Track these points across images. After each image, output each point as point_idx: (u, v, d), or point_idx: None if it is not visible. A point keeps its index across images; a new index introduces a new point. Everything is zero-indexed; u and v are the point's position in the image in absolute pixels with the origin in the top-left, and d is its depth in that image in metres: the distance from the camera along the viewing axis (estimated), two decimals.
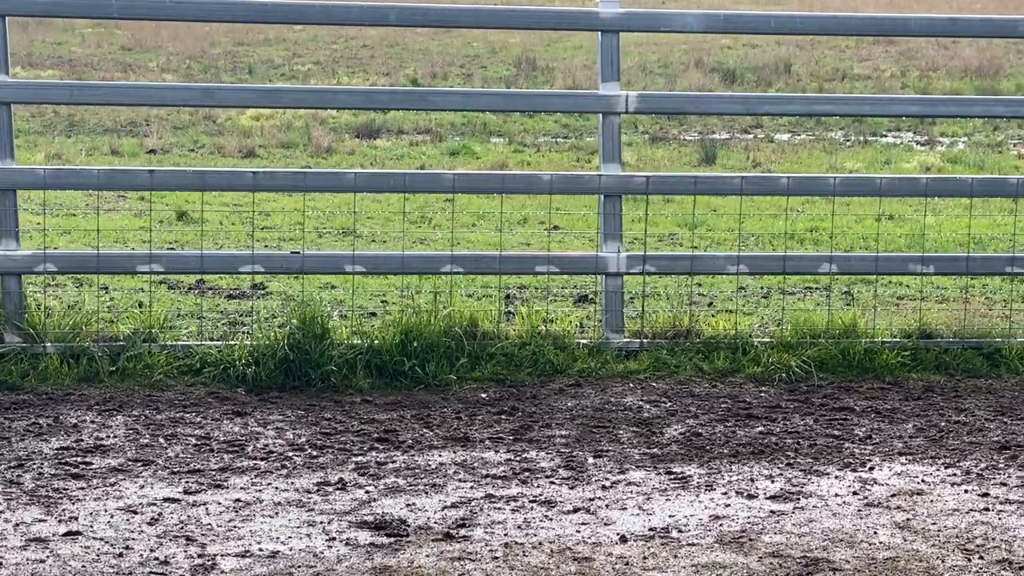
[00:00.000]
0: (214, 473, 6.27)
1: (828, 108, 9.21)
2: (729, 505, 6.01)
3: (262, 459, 6.48)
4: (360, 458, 6.55)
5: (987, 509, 5.96)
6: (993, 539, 5.61)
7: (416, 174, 8.42)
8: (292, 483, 6.17)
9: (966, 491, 6.20)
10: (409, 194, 11.06)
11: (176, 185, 8.20)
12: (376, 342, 7.72)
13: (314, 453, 6.59)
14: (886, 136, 19.33)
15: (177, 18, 7.53)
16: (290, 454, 6.56)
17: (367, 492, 6.09)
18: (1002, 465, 6.57)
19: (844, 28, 8.68)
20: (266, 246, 11.00)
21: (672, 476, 6.38)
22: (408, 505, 5.94)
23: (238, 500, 5.94)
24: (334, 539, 5.54)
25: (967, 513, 5.91)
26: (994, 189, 8.75)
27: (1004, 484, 6.30)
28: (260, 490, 6.07)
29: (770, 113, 13.48)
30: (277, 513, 5.81)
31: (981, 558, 5.41)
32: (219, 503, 5.90)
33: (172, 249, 10.61)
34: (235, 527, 5.64)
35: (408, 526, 5.70)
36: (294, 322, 7.60)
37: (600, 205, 8.12)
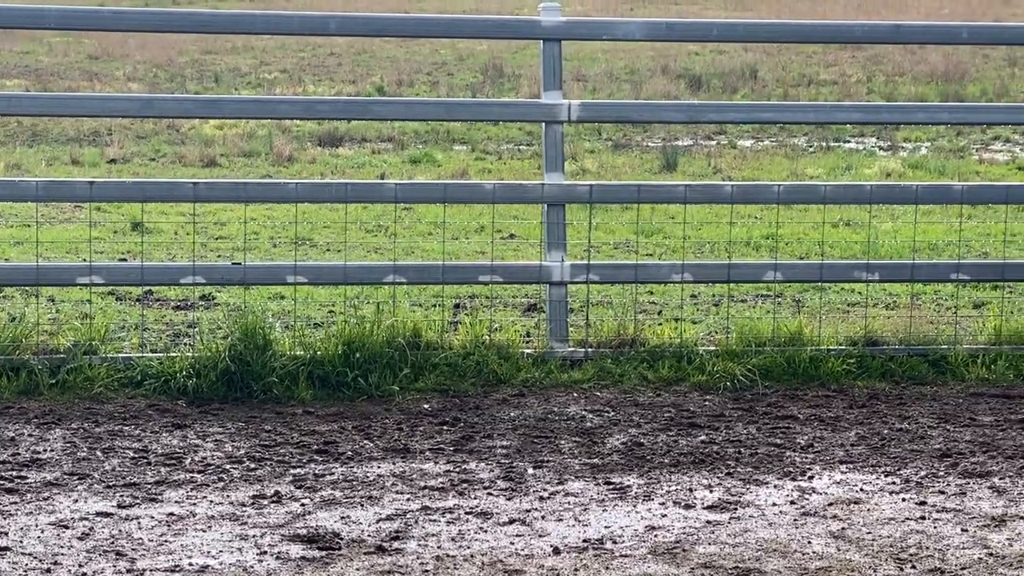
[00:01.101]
0: (150, 487, 6.23)
1: (770, 115, 9.21)
2: (666, 515, 6.00)
3: (199, 472, 6.45)
4: (298, 470, 6.52)
5: (923, 518, 5.96)
6: (927, 548, 5.60)
7: (357, 184, 8.39)
8: (228, 496, 6.14)
9: (904, 499, 6.20)
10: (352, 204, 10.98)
11: (117, 196, 8.17)
12: (319, 353, 7.69)
13: (252, 466, 6.56)
14: (849, 142, 19.35)
15: (115, 28, 7.51)
16: (228, 467, 6.53)
17: (303, 505, 6.06)
18: (942, 473, 6.57)
19: (789, 35, 8.68)
20: (219, 256, 10.96)
21: (611, 486, 6.36)
22: (343, 518, 5.91)
23: (172, 514, 5.90)
24: (265, 553, 5.51)
25: (903, 522, 5.91)
26: (939, 196, 8.76)
27: (942, 492, 6.29)
28: (195, 503, 6.04)
29: (712, 121, 13.48)
30: (210, 527, 5.77)
31: (913, 567, 5.41)
32: (152, 517, 5.86)
33: (124, 260, 10.56)
34: (166, 541, 5.60)
35: (341, 539, 5.67)
36: (236, 334, 7.56)
37: (544, 214, 8.10)
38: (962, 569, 5.37)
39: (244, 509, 5.98)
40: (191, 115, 8.92)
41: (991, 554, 5.51)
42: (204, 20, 7.71)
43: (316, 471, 6.51)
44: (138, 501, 6.04)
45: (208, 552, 5.50)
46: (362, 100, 8.27)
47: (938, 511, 6.04)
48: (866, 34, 8.48)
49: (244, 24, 7.79)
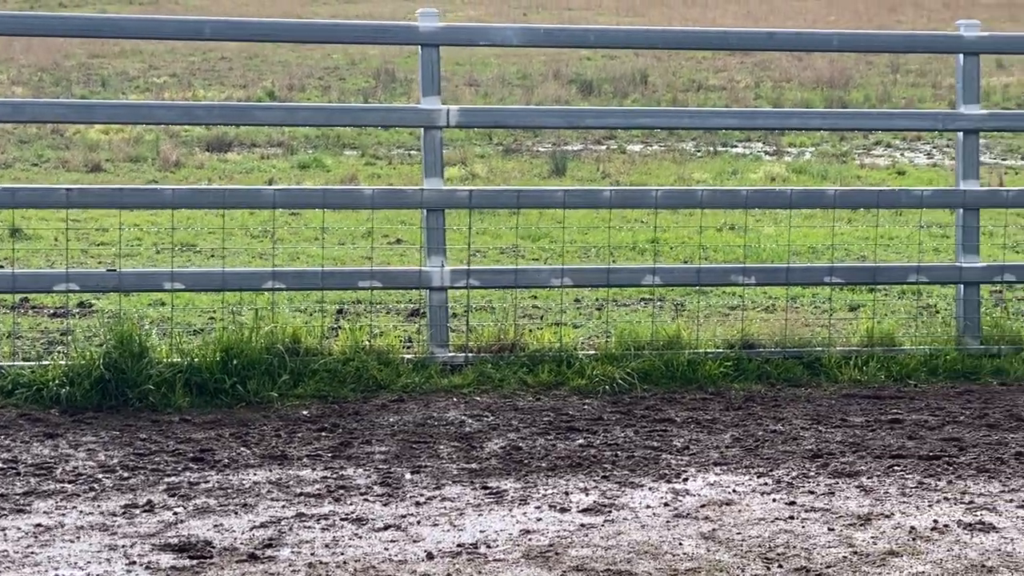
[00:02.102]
0: (18, 497, 6.15)
1: (649, 121, 9.30)
2: (541, 519, 6.03)
3: (70, 482, 6.37)
4: (172, 478, 6.46)
5: (792, 517, 6.04)
6: (794, 547, 5.68)
7: (236, 190, 8.35)
8: (98, 506, 6.07)
9: (774, 500, 6.28)
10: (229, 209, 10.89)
11: None
12: (196, 360, 7.63)
13: (125, 475, 6.49)
14: (736, 146, 19.57)
15: None
16: (100, 476, 6.46)
17: (175, 514, 6.01)
18: (813, 473, 6.66)
19: (665, 42, 8.76)
20: (100, 263, 10.84)
21: (488, 491, 6.38)
22: (216, 526, 5.87)
23: (39, 525, 5.83)
24: (135, 563, 5.46)
25: (772, 522, 5.98)
26: (812, 200, 8.89)
27: (812, 492, 6.38)
28: (64, 514, 5.96)
29: (590, 126, 13.57)
30: (79, 538, 5.70)
31: (780, 567, 5.48)
32: (19, 528, 5.78)
33: (1, 267, 10.41)
34: (32, 553, 5.53)
35: (213, 548, 5.63)
36: (111, 341, 7.48)
37: (423, 219, 8.11)
38: (827, 567, 5.45)
39: (115, 519, 5.92)
40: (64, 120, 8.83)
41: (856, 552, 5.60)
42: (78, 24, 7.64)
43: (191, 479, 6.46)
44: (5, 512, 5.95)
45: (75, 563, 5.44)
46: (241, 105, 8.22)
47: (807, 511, 6.13)
48: (741, 41, 8.59)
49: (117, 28, 7.70)
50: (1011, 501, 6.25)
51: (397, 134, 20.01)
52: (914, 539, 5.75)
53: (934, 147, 19.69)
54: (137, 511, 6.02)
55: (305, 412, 7.53)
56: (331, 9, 35.16)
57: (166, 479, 6.45)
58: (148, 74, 26.09)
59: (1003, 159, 18.81)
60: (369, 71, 26.74)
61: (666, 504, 6.23)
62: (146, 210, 11.87)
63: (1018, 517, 6.04)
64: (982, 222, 9.01)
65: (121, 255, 10.12)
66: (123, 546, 5.62)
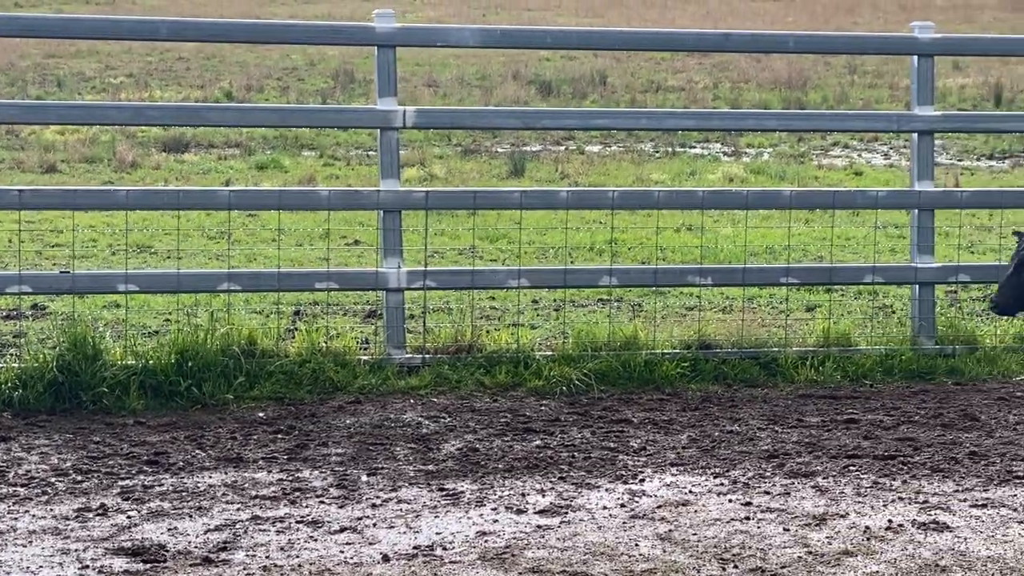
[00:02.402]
0: None
1: (605, 122, 9.29)
2: (497, 521, 6.02)
3: (22, 485, 6.32)
4: (127, 482, 6.42)
5: (748, 518, 6.05)
6: (750, 548, 5.69)
7: (190, 191, 8.31)
8: (51, 510, 6.03)
9: (730, 500, 6.29)
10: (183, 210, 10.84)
11: None
12: (151, 362, 7.59)
13: (78, 478, 6.45)
14: (694, 147, 19.61)
15: None
16: (53, 479, 6.41)
17: (129, 517, 5.97)
18: (769, 473, 6.68)
19: (622, 43, 8.76)
20: (54, 264, 10.76)
21: (444, 492, 6.36)
22: (170, 529, 5.84)
23: None
24: (87, 567, 5.42)
25: (728, 522, 5.99)
26: (768, 201, 8.92)
27: (768, 493, 6.40)
28: (16, 518, 5.92)
29: (547, 127, 13.56)
30: (31, 542, 5.66)
31: (736, 567, 5.49)
32: None
33: None
34: None
35: (167, 551, 5.60)
36: (64, 343, 7.43)
37: (379, 221, 8.09)
38: (782, 568, 5.46)
39: (68, 523, 5.88)
40: (17, 121, 8.76)
41: (811, 552, 5.62)
42: (33, 24, 7.58)
43: (145, 482, 6.42)
44: None
45: (27, 568, 5.39)
46: (194, 106, 8.18)
47: (763, 511, 6.14)
48: (698, 43, 8.61)
49: (72, 28, 7.65)
50: (965, 501, 6.28)
51: (355, 135, 19.95)
52: (869, 539, 5.77)
53: (891, 148, 19.79)
54: (90, 515, 5.98)
55: (261, 414, 7.49)
56: (289, 9, 35.05)
57: (120, 482, 6.41)
58: (104, 74, 25.94)
59: (959, 160, 18.92)
60: (328, 72, 26.66)
61: (623, 505, 6.23)
62: (101, 211, 11.82)
63: (972, 517, 6.07)
64: (937, 223, 9.05)
65: (75, 257, 10.07)
66: (76, 550, 5.58)
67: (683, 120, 9.26)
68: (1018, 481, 6.56)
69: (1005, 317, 8.17)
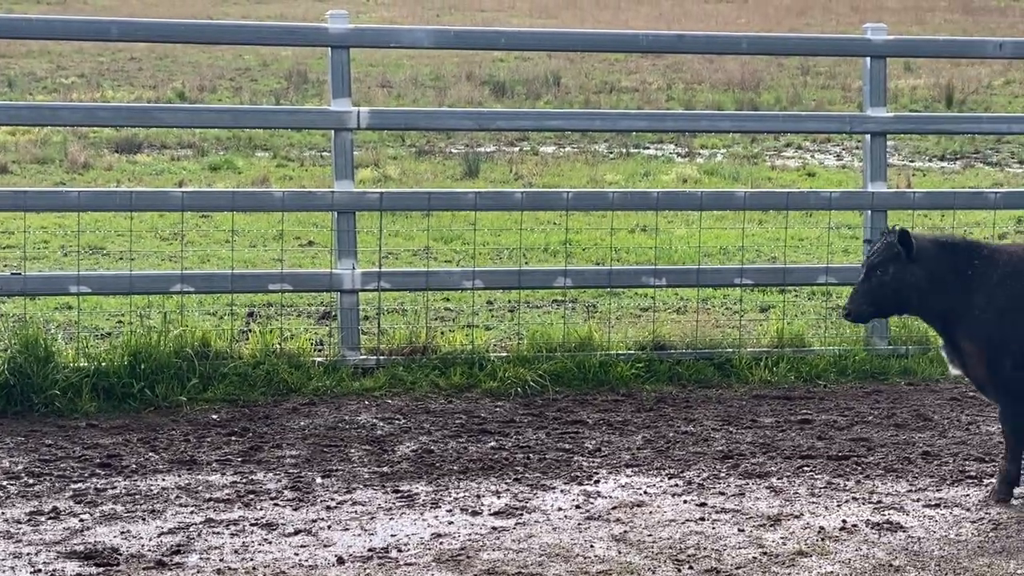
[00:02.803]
0: None
1: (559, 123, 9.30)
2: (452, 523, 6.01)
3: None
4: (79, 485, 6.38)
5: (702, 519, 6.06)
6: (704, 548, 5.70)
7: (143, 192, 8.25)
8: (2, 513, 5.98)
9: (685, 501, 6.30)
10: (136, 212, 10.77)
11: None
12: (104, 364, 7.55)
13: (30, 481, 6.40)
14: (648, 148, 19.65)
15: None
16: (4, 483, 6.36)
17: (82, 521, 5.93)
18: (723, 474, 6.69)
19: (576, 44, 8.76)
20: (5, 266, 10.67)
21: (399, 494, 6.35)
22: (123, 533, 5.80)
23: None
24: (39, 571, 5.38)
25: (683, 523, 6.01)
26: (723, 202, 8.94)
27: (723, 493, 6.41)
28: None
29: (502, 128, 13.56)
30: None
31: (691, 568, 5.50)
32: None
33: None
34: None
35: (120, 555, 5.56)
36: (16, 345, 7.37)
37: (334, 222, 8.06)
38: (737, 568, 5.48)
39: (19, 526, 5.83)
40: None
41: (765, 553, 5.63)
42: None
43: (98, 485, 6.38)
44: None
45: None
46: (146, 107, 8.13)
47: (717, 512, 6.15)
48: (651, 43, 8.61)
49: (23, 28, 7.58)
50: (918, 501, 6.32)
51: (309, 136, 19.88)
52: (823, 539, 5.79)
53: (843, 149, 19.89)
54: (42, 518, 5.94)
55: (215, 416, 7.46)
56: (242, 9, 34.90)
57: (72, 485, 6.37)
58: (56, 75, 25.75)
59: (911, 161, 19.03)
60: (281, 72, 26.55)
61: (578, 506, 6.23)
62: (52, 212, 11.71)
63: (925, 516, 6.11)
64: (890, 223, 9.09)
65: (27, 258, 9.99)
66: (28, 554, 5.53)
67: (637, 121, 9.26)
68: (971, 481, 6.61)
69: (859, 324, 8.24)
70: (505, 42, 8.15)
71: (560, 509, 6.19)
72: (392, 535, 5.84)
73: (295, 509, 6.14)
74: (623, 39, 8.87)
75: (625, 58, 28.65)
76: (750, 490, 6.45)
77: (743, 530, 5.91)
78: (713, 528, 5.95)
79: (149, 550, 5.61)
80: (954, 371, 6.39)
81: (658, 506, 6.24)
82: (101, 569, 5.42)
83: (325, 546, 5.70)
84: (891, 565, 5.52)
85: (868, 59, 8.78)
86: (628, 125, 8.90)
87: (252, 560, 5.53)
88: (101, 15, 8.06)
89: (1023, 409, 6.15)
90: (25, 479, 6.42)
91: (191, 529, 5.86)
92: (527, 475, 6.65)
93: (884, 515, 6.11)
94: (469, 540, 5.80)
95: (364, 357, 8.14)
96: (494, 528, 5.95)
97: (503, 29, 8.86)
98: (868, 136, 8.87)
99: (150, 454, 6.84)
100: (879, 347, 8.77)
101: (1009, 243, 6.74)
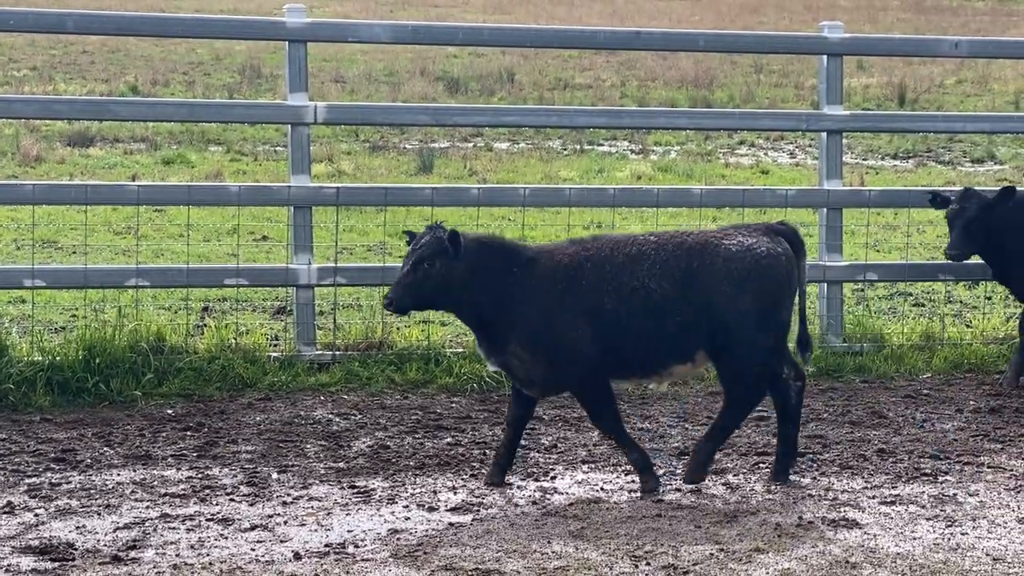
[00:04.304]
0: None
1: (516, 119, 9.31)
2: (409, 518, 6.00)
3: None
4: (33, 479, 6.33)
5: (659, 515, 6.07)
6: (662, 545, 5.71)
7: (99, 186, 8.18)
8: None
9: (641, 498, 6.31)
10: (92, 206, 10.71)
11: None
12: (58, 358, 7.50)
13: None
14: (602, 145, 19.68)
15: None
16: None
17: (36, 515, 5.89)
18: (679, 471, 6.70)
19: (534, 40, 8.77)
20: None
21: (355, 490, 6.34)
22: (78, 527, 5.77)
23: None
24: None
25: (640, 520, 6.02)
26: (679, 199, 8.96)
27: (679, 490, 6.43)
28: None
29: (458, 124, 13.57)
30: None
31: (648, 564, 5.51)
32: None
33: None
34: None
35: (76, 550, 5.52)
36: None
37: (290, 217, 8.04)
38: (694, 565, 5.49)
39: None
40: None
41: (722, 549, 5.65)
42: None
43: (52, 480, 6.33)
44: None
45: None
46: (101, 100, 8.09)
47: (674, 508, 6.17)
48: (608, 40, 8.62)
49: None
50: (873, 498, 6.35)
51: (263, 130, 19.80)
52: (780, 536, 5.82)
53: (797, 146, 19.98)
54: None
55: (170, 411, 7.42)
56: (196, 3, 34.72)
57: (27, 480, 6.32)
58: (7, 67, 25.54)
59: (864, 159, 19.15)
60: (234, 67, 26.44)
61: (535, 503, 6.23)
62: (5, 206, 11.63)
63: (880, 513, 6.14)
64: (845, 221, 9.14)
65: None
66: None
67: (594, 118, 9.28)
68: (926, 478, 6.65)
69: (400, 316, 8.21)
70: (463, 38, 8.15)
71: (517, 505, 6.19)
72: (349, 531, 5.83)
73: (251, 504, 6.11)
74: (582, 35, 8.88)
75: (579, 55, 28.68)
76: (706, 487, 6.46)
77: (700, 526, 5.93)
78: (670, 524, 5.96)
79: (105, 545, 5.58)
80: (492, 367, 6.46)
81: (615, 502, 6.25)
82: (56, 564, 5.38)
83: (282, 541, 5.69)
84: (847, 562, 5.55)
85: (825, 57, 8.82)
86: (585, 122, 8.92)
87: (208, 555, 5.51)
88: (53, 8, 8.04)
89: (547, 396, 6.47)
90: None
91: (147, 524, 5.83)
92: (484, 471, 6.64)
93: (840, 512, 6.14)
94: (426, 536, 5.80)
95: (320, 352, 8.12)
96: (451, 524, 5.95)
97: (460, 24, 8.87)
98: (824, 134, 8.91)
99: (105, 449, 6.80)
100: (834, 344, 8.82)
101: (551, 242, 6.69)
